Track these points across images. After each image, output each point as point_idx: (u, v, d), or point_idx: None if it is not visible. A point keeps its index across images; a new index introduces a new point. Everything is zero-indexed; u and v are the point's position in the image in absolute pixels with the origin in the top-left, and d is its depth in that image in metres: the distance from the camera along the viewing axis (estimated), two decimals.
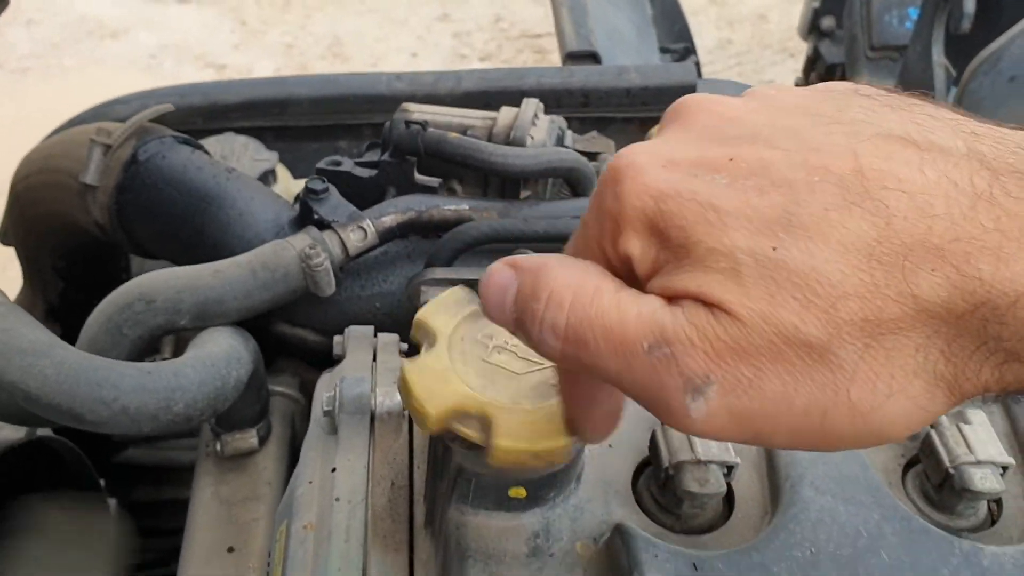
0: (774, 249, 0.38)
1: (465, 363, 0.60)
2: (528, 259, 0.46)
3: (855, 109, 0.43)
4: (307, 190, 0.93)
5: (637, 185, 0.42)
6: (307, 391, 1.07)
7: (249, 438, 0.95)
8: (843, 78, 1.91)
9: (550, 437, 0.55)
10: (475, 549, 0.62)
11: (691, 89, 1.49)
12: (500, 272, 0.46)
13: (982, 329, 0.37)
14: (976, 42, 1.37)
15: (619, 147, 1.30)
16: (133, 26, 4.60)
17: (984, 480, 0.64)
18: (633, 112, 1.47)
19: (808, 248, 0.38)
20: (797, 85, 2.08)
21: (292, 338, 0.98)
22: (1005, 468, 0.65)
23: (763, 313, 0.38)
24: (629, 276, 0.44)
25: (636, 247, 0.42)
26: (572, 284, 0.43)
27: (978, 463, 0.64)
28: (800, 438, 0.40)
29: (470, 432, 0.57)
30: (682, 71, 1.47)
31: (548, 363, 0.59)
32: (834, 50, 2.00)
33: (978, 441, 0.66)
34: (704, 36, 4.61)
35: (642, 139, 1.27)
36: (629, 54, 1.79)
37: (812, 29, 1.98)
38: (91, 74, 4.27)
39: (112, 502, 1.29)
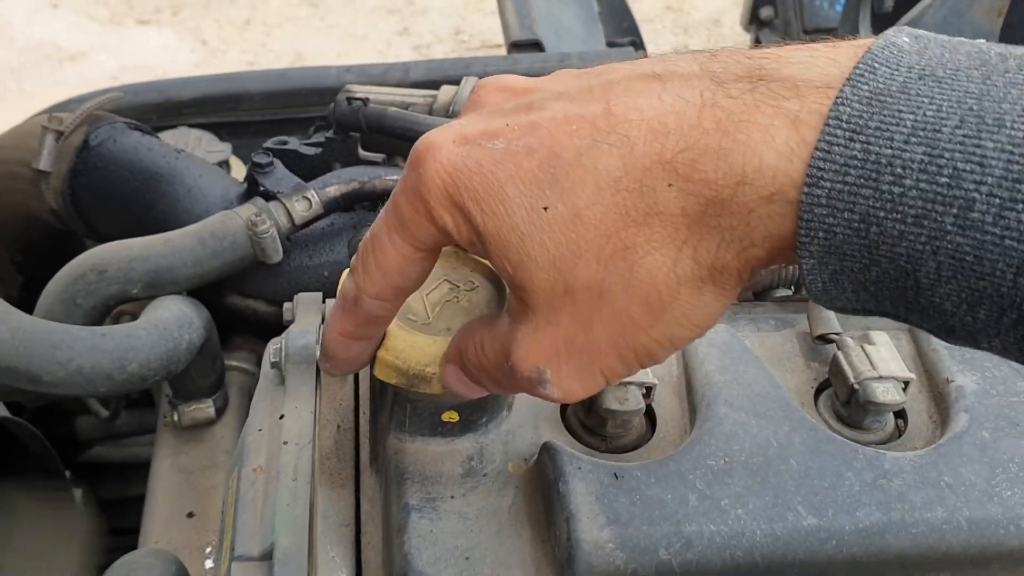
0: (545, 209, 0.44)
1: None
2: None
3: (619, 66, 0.48)
4: (253, 164, 0.96)
5: (435, 164, 0.46)
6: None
7: (206, 408, 0.98)
8: None
9: (421, 365, 0.59)
10: (413, 472, 0.65)
11: None
12: None
13: (716, 224, 0.42)
14: (899, 18, 1.43)
15: None
16: (92, 49, 4.61)
17: (886, 393, 0.69)
18: None
19: (570, 201, 0.43)
20: None
21: (244, 310, 1.01)
22: (907, 383, 0.70)
23: (551, 281, 0.45)
24: (449, 240, 0.49)
25: (448, 221, 0.47)
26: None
27: (880, 378, 0.69)
28: (627, 364, 0.48)
29: None
30: (620, 55, 1.52)
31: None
32: (773, 38, 2.06)
33: (880, 359, 0.70)
34: (660, 42, 4.70)
35: None
36: (576, 47, 1.84)
37: (752, 19, 2.04)
38: (52, 96, 4.28)
39: (78, 493, 1.31)
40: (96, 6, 4.86)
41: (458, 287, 0.67)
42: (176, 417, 0.98)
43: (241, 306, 1.01)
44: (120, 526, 1.39)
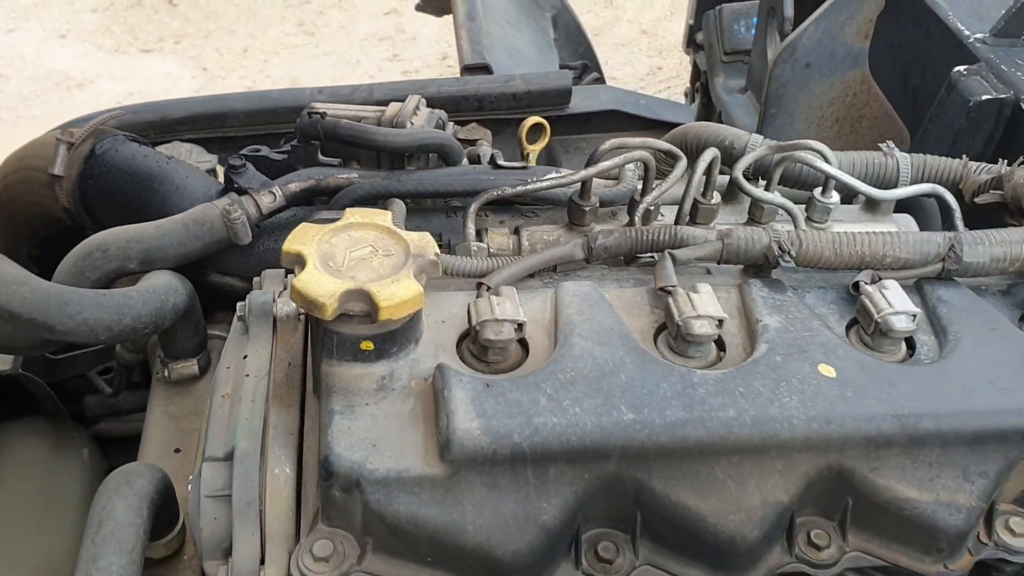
0: None
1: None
2: None
3: None
4: (229, 166, 1.18)
5: None
6: None
7: (191, 366, 1.20)
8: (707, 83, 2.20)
9: (316, 295, 0.81)
10: (338, 387, 0.87)
11: (566, 92, 1.76)
12: None
13: None
14: None
15: (498, 142, 1.57)
16: (99, 76, 4.85)
17: (701, 327, 0.90)
18: (520, 113, 1.74)
19: None
20: (686, 95, 2.35)
21: (223, 286, 1.23)
22: (721, 321, 0.91)
23: None
24: None
25: None
26: None
27: (698, 316, 0.90)
28: None
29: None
30: (559, 77, 1.74)
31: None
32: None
33: (700, 303, 0.92)
34: (636, 64, 4.94)
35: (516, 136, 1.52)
36: (529, 70, 2.06)
37: (690, 43, 2.26)
38: (61, 122, 4.52)
39: (84, 452, 1.51)
40: (102, 36, 5.11)
41: (377, 251, 0.89)
42: (167, 373, 1.19)
43: (221, 283, 1.23)
44: None
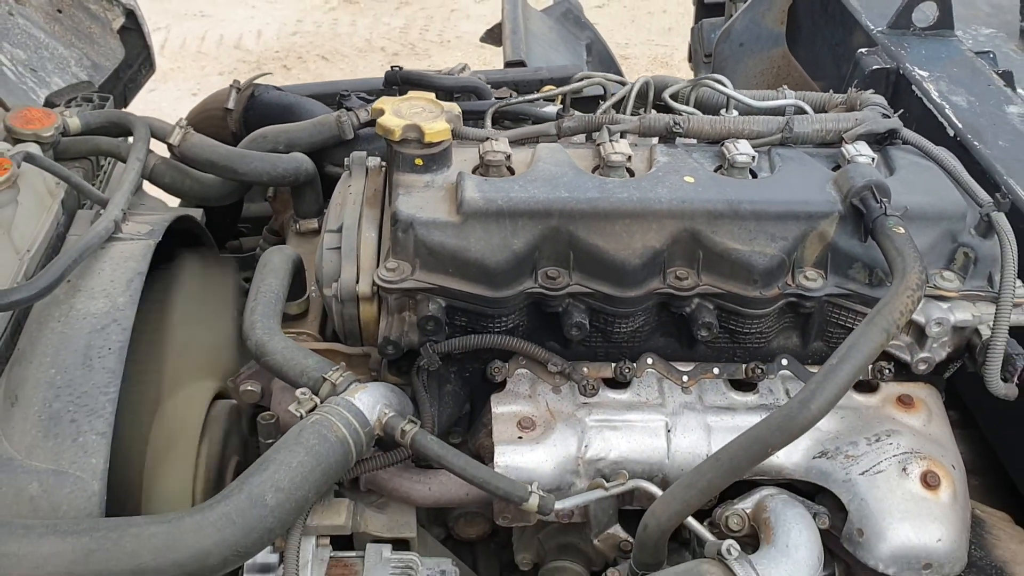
0: None
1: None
2: None
3: None
4: (339, 95, 1.86)
5: None
6: None
7: (313, 223, 1.87)
8: None
9: (391, 125, 1.46)
10: (402, 184, 1.51)
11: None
12: None
13: None
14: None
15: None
16: None
17: (616, 157, 1.52)
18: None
19: None
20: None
21: (335, 175, 1.89)
22: (629, 157, 1.53)
23: None
24: None
25: None
26: None
27: (615, 152, 1.52)
28: None
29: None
30: (573, 68, 2.40)
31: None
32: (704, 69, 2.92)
33: (617, 147, 1.53)
34: None
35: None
36: None
37: (691, 58, 2.89)
38: None
39: None
40: None
41: (425, 110, 1.53)
42: (297, 227, 1.86)
43: (333, 173, 1.89)
44: None
